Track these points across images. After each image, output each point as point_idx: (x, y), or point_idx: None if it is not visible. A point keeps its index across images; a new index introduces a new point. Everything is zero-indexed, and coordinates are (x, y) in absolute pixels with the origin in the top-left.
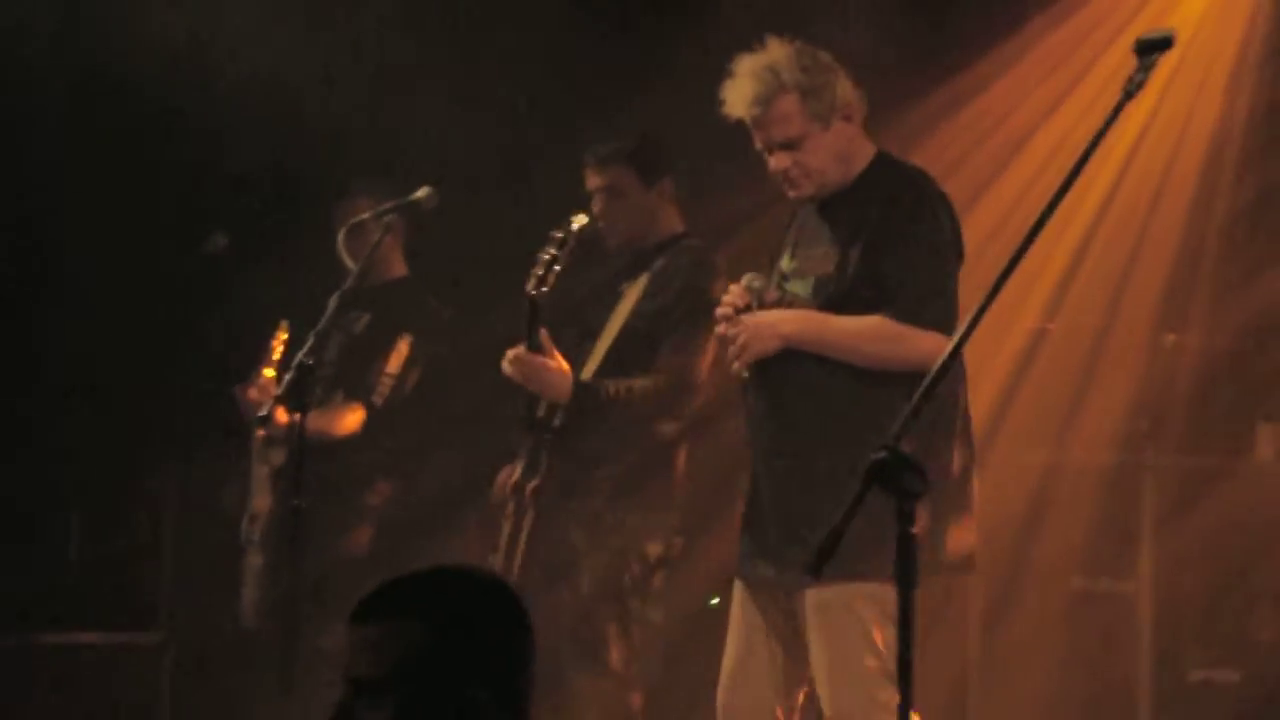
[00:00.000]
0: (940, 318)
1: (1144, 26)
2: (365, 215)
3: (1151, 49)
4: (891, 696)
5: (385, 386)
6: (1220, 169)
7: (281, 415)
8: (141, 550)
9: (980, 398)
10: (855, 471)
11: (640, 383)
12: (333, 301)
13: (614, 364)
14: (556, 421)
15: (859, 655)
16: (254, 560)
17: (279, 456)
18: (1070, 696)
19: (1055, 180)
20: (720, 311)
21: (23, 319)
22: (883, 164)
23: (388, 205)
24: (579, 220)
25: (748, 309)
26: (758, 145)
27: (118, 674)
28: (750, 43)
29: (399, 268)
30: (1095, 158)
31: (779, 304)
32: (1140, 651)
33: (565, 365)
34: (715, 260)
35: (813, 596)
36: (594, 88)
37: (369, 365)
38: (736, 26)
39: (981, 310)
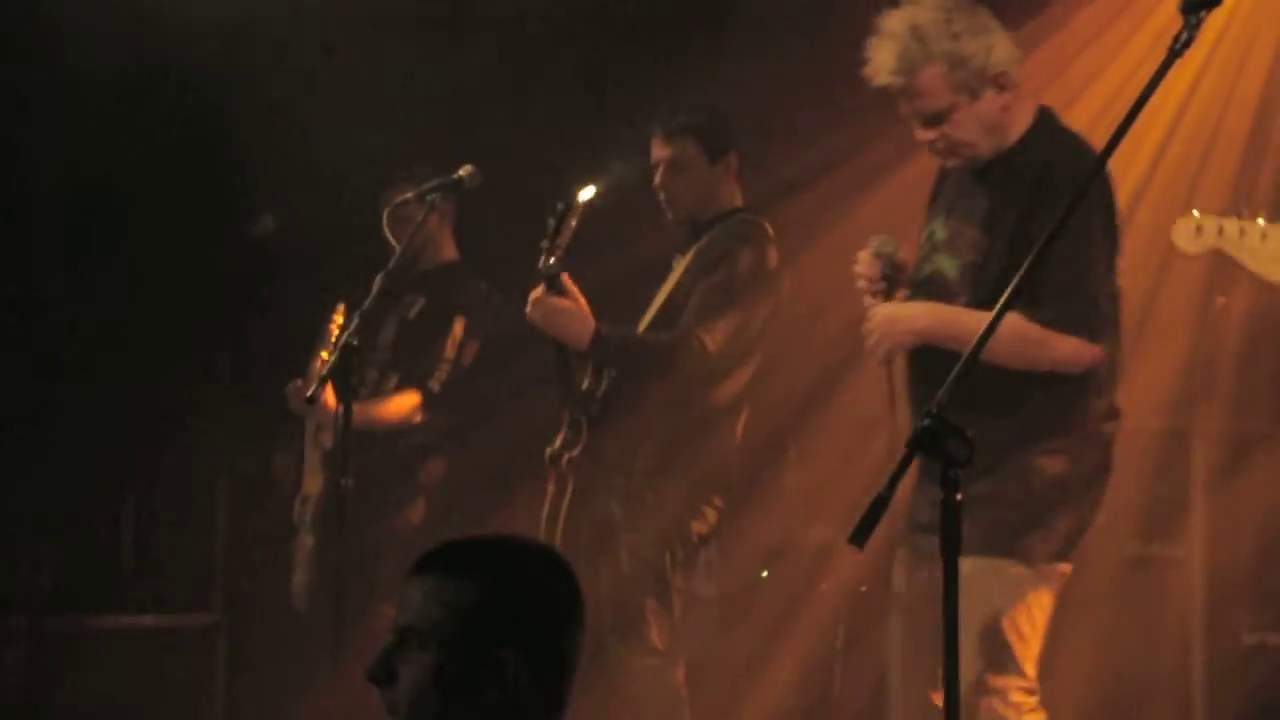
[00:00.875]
0: (1083, 324)
1: None
2: (409, 195)
3: (1198, 6)
4: (1004, 683)
5: (443, 372)
6: (1269, 128)
7: (330, 398)
8: (195, 533)
9: None
10: (1019, 445)
11: (645, 336)
12: (377, 282)
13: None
14: (599, 392)
15: (981, 634)
16: (305, 541)
17: (328, 439)
18: (1123, 660)
19: (1101, 142)
20: (861, 286)
21: (77, 304)
22: (1044, 130)
23: (430, 184)
24: (585, 191)
25: (886, 281)
26: (900, 112)
27: (171, 656)
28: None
29: (450, 251)
30: (1142, 119)
31: (927, 277)
32: (1193, 615)
33: (586, 309)
34: (764, 232)
35: (963, 565)
36: (652, 64)
37: (426, 350)
38: None
39: (1022, 279)
